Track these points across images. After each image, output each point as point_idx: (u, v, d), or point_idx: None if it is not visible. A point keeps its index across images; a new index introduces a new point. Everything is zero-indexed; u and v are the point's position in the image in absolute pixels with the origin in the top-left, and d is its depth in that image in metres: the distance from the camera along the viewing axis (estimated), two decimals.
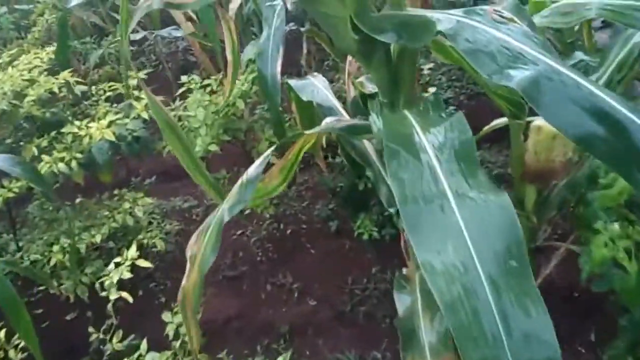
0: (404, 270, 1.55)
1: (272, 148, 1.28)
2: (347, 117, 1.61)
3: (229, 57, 2.27)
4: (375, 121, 1.00)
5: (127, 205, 2.44)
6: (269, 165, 1.31)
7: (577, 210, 1.31)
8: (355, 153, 1.55)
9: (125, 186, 3.04)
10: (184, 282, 1.47)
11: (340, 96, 2.32)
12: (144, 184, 3.43)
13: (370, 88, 1.41)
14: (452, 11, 1.05)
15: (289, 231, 2.90)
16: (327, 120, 1.33)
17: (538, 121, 1.40)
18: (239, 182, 1.31)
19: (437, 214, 0.76)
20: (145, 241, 2.53)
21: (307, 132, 1.23)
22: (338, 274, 2.67)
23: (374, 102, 1.11)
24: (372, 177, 1.53)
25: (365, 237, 2.28)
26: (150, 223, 2.90)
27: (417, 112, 1.01)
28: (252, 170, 1.28)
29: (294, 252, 2.83)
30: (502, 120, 1.66)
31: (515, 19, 0.93)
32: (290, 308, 2.62)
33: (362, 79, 1.49)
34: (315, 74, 1.90)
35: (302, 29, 2.79)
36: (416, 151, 0.85)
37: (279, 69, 2.09)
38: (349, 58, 2.31)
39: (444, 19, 1.01)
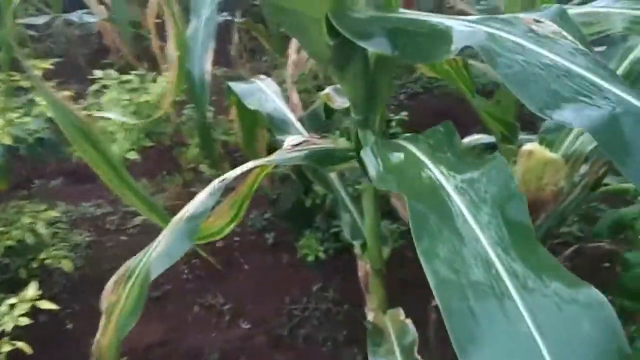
0: (369, 316, 1.32)
1: (222, 178, 1.00)
2: (303, 132, 1.35)
3: (173, 51, 1.89)
4: (372, 160, 0.75)
5: (27, 219, 2.04)
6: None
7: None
8: (313, 175, 1.30)
9: (25, 190, 2.60)
10: (98, 335, 1.17)
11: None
12: (48, 187, 2.97)
13: (340, 102, 1.16)
14: (465, 17, 0.82)
15: (219, 244, 2.60)
16: (289, 141, 1.06)
17: (529, 145, 1.22)
18: (175, 219, 1.02)
19: (497, 317, 0.53)
20: (49, 261, 2.14)
21: (266, 161, 0.96)
22: (275, 293, 2.42)
23: (366, 133, 0.86)
24: (332, 201, 1.29)
25: (311, 258, 2.04)
26: (55, 234, 2.49)
27: (426, 147, 0.78)
28: (197, 204, 0.98)
29: (226, 269, 2.53)
30: (481, 137, 1.47)
31: (565, 33, 0.71)
32: (220, 332, 2.34)
33: (329, 90, 1.24)
34: (263, 76, 1.62)
35: (236, 20, 2.47)
36: (449, 215, 0.62)
37: (208, 67, 1.79)
38: (292, 57, 2.04)
39: (463, 29, 0.77)
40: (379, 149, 0.78)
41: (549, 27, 0.73)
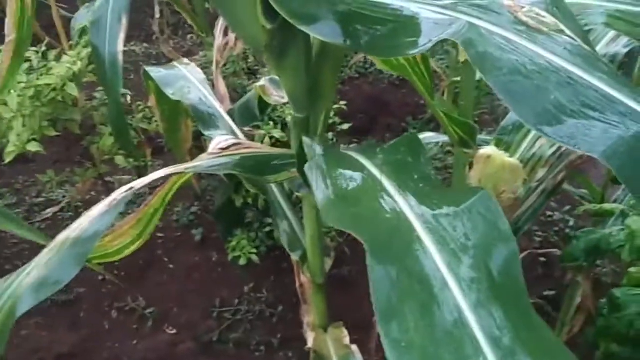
0: (309, 337, 1.17)
1: (128, 188, 0.79)
2: (233, 127, 1.16)
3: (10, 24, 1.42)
4: (318, 180, 0.58)
5: None
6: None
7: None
8: (246, 178, 1.11)
9: None
10: None
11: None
12: None
13: (277, 96, 0.99)
14: (433, 1, 0.67)
15: None
16: (216, 143, 0.87)
17: (487, 149, 1.10)
18: (61, 238, 0.80)
19: None
20: None
21: (185, 168, 0.77)
22: (203, 295, 2.22)
23: (312, 142, 0.68)
24: (267, 205, 1.11)
25: (243, 261, 1.86)
26: None
27: (388, 167, 0.61)
28: (91, 219, 0.77)
29: (148, 268, 2.30)
30: (433, 136, 1.33)
31: (562, 26, 0.57)
32: (142, 340, 2.12)
33: (265, 82, 1.05)
34: (186, 60, 1.40)
35: None
36: (424, 276, 0.46)
37: (120, 46, 1.54)
38: (219, 40, 1.82)
39: (435, 17, 0.61)
40: (328, 166, 0.62)
41: (541, 17, 0.58)
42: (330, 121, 2.12)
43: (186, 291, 2.24)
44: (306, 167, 0.64)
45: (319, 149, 0.68)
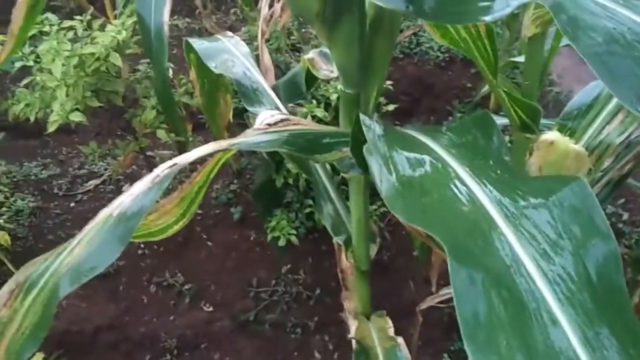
0: (351, 325, 1.12)
1: (171, 164, 0.75)
2: (278, 103, 1.10)
3: None
4: (379, 164, 0.51)
5: None
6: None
7: None
8: (290, 156, 1.06)
9: None
10: None
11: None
12: None
13: (326, 70, 0.92)
14: None
15: None
16: (262, 118, 0.82)
17: (550, 134, 1.01)
18: (103, 215, 0.76)
19: None
20: None
21: (231, 144, 0.72)
22: (240, 274, 2.21)
23: (369, 121, 0.61)
24: (303, 188, 1.06)
25: (282, 242, 1.82)
26: None
27: (457, 150, 0.54)
28: (133, 197, 0.74)
29: (186, 245, 2.30)
30: None
31: None
32: (179, 316, 2.13)
33: (314, 54, 0.99)
34: (230, 34, 1.34)
35: None
36: (512, 282, 0.39)
37: (166, 16, 1.50)
38: (264, 10, 1.76)
39: None
40: (390, 148, 0.55)
41: None
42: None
43: (223, 269, 2.23)
44: (365, 148, 0.57)
45: (378, 129, 0.62)
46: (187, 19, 3.46)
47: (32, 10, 1.09)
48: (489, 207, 0.46)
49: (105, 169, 2.59)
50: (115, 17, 1.93)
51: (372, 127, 0.61)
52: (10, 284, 0.78)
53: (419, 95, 3.13)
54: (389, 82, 2.04)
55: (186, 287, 2.18)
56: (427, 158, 0.54)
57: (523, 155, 1.11)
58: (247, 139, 0.73)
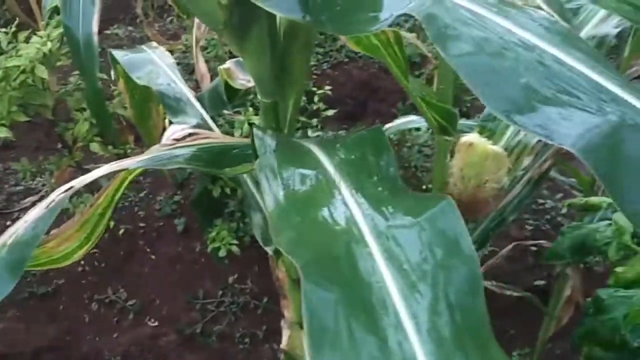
0: (284, 341, 1.11)
1: (67, 187, 0.71)
2: (203, 113, 1.09)
3: None
4: (268, 180, 0.50)
5: None
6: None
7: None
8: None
9: None
10: None
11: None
12: None
13: (243, 79, 0.92)
14: None
15: (121, 231, 2.30)
16: (170, 133, 0.80)
17: (469, 136, 1.03)
18: None
19: None
20: None
21: (132, 162, 0.70)
22: (186, 286, 2.17)
23: (265, 136, 0.60)
24: (241, 198, 1.05)
25: (222, 252, 1.80)
26: None
27: (348, 165, 0.54)
28: (27, 223, 0.70)
29: (129, 259, 2.25)
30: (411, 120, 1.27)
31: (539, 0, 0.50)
32: (123, 332, 2.08)
33: (229, 64, 0.98)
34: (155, 44, 1.32)
35: None
36: (370, 302, 0.38)
37: (95, 27, 1.46)
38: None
39: None
40: (279, 163, 0.54)
41: None
42: (315, 107, 2.05)
43: (168, 282, 2.19)
44: (255, 164, 0.57)
45: (271, 142, 0.61)
46: (130, 27, 3.40)
47: None
48: (361, 226, 0.45)
49: (43, 185, 2.51)
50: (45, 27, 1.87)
51: (265, 140, 0.61)
52: None
53: (364, 98, 3.15)
54: (327, 87, 2.05)
55: (130, 302, 2.13)
56: (313, 174, 0.54)
57: (444, 157, 1.13)
58: (152, 155, 0.71)
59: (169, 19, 3.29)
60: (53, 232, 0.77)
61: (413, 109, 2.97)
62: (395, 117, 3.04)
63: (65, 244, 0.76)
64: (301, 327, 1.20)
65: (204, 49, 1.93)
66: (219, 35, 1.19)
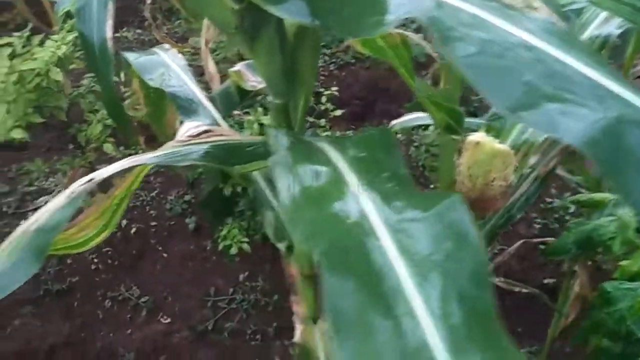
0: (297, 330, 1.13)
1: (88, 179, 0.75)
2: (215, 114, 1.11)
3: None
4: (284, 175, 0.53)
5: None
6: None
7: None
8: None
9: None
10: None
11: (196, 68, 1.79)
12: None
13: (254, 81, 0.94)
14: None
15: (133, 230, 2.34)
16: (184, 130, 0.83)
17: (476, 135, 1.05)
18: (19, 231, 0.75)
19: None
20: None
21: (148, 158, 0.73)
22: (198, 284, 2.21)
23: (278, 134, 0.63)
24: (253, 196, 1.08)
25: (233, 250, 1.83)
26: None
27: (359, 162, 0.57)
28: (50, 211, 0.73)
29: (141, 257, 2.28)
30: (418, 117, 1.29)
31: (538, 3, 0.52)
32: (136, 329, 2.11)
33: (240, 66, 1.00)
34: (167, 46, 1.35)
35: None
36: (383, 293, 0.41)
37: (109, 32, 1.48)
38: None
39: None
40: (294, 160, 0.57)
41: None
42: (323, 107, 2.08)
43: (180, 280, 2.22)
44: (270, 160, 0.59)
45: (285, 141, 0.64)
46: (138, 30, 3.44)
47: None
48: (373, 219, 0.48)
49: (56, 185, 2.55)
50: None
51: (279, 139, 0.63)
52: None
53: (372, 99, 3.17)
54: (334, 88, 2.07)
55: (142, 300, 2.16)
56: (326, 170, 0.56)
57: (451, 156, 1.15)
58: (167, 151, 0.74)
59: (177, 22, 3.33)
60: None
61: (420, 107, 2.99)
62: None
63: (84, 231, 0.80)
64: (314, 321, 1.22)
65: (212, 51, 1.95)
66: (229, 38, 1.21)
